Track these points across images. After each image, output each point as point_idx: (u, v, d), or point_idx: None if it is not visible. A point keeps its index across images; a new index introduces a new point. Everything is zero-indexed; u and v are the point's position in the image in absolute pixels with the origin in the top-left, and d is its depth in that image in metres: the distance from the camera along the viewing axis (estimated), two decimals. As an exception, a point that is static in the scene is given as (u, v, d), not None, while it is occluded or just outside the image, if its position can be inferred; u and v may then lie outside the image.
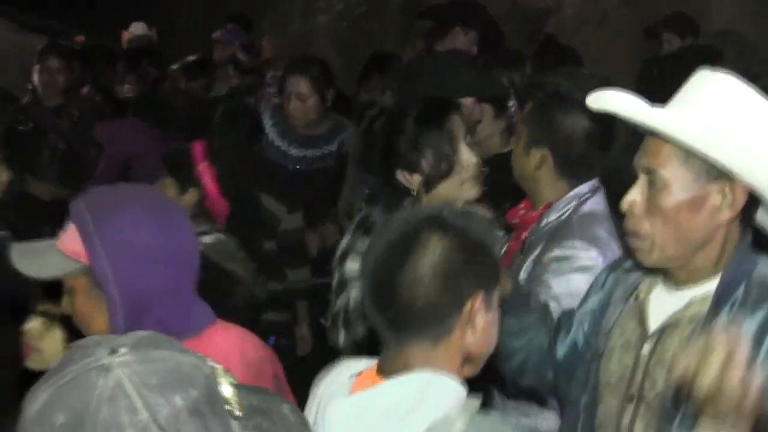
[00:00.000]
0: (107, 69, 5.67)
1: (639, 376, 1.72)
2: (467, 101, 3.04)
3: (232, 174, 3.13)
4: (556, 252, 2.25)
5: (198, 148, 3.07)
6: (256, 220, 3.56)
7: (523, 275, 2.31)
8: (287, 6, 7.79)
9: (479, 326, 1.46)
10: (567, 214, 2.33)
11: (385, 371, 1.47)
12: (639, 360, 1.72)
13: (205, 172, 3.01)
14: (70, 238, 1.63)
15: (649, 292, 1.78)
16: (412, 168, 2.41)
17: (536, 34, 6.09)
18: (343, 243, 2.51)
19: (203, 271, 1.73)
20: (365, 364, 1.52)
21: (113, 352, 0.99)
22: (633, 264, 1.82)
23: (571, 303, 2.06)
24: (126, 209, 1.62)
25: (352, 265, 2.39)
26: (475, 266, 1.47)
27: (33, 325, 2.02)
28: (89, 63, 5.47)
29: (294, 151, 4.18)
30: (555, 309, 2.14)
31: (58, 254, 1.64)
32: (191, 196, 3.00)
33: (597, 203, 2.35)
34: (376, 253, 1.51)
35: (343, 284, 2.44)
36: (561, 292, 2.19)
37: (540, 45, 5.15)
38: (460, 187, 2.42)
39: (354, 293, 2.38)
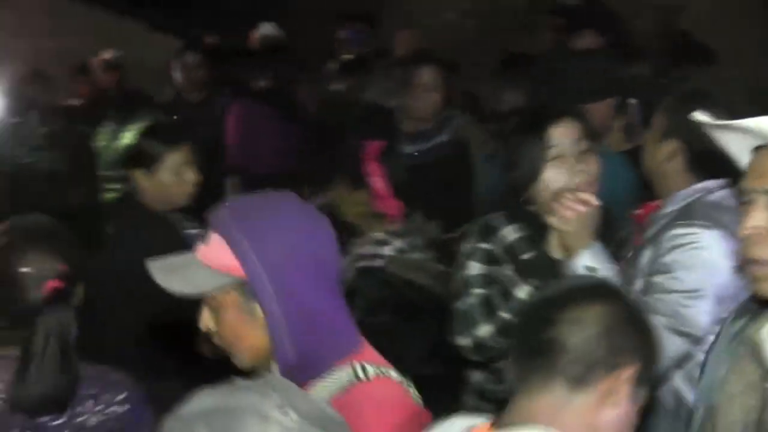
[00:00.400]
0: (240, 66, 5.84)
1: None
2: (599, 105, 3.01)
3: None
4: (676, 231, 2.25)
5: (372, 147, 3.05)
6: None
7: (643, 261, 2.32)
8: (412, 4, 7.82)
9: (621, 403, 1.36)
10: (691, 200, 2.33)
11: (501, 425, 1.37)
12: (766, 398, 1.64)
13: (374, 171, 2.98)
14: (216, 251, 1.54)
15: (759, 331, 1.68)
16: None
17: (668, 31, 5.98)
18: (466, 246, 2.51)
19: (388, 286, 1.70)
20: (480, 420, 1.42)
21: (282, 410, 1.01)
22: (737, 312, 1.77)
23: (693, 281, 2.12)
24: (279, 219, 1.54)
25: (473, 269, 2.42)
26: (640, 339, 1.40)
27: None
28: (224, 60, 5.67)
29: (407, 148, 4.10)
30: (676, 287, 2.18)
31: (203, 268, 1.55)
32: (360, 196, 2.99)
33: (725, 197, 2.30)
34: (540, 298, 1.49)
35: (463, 287, 2.44)
36: (680, 272, 2.21)
37: (674, 42, 5.05)
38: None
39: (473, 299, 2.40)
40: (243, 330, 1.55)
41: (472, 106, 4.58)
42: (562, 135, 2.33)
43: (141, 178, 2.96)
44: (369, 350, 1.63)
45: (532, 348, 1.40)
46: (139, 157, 2.97)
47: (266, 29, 6.59)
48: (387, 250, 2.83)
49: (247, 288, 1.52)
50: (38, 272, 1.91)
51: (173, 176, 2.93)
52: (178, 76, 5.23)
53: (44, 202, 4.51)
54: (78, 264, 1.99)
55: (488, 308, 2.37)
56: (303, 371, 1.54)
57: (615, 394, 1.36)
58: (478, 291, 2.40)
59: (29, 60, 7.18)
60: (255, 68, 5.54)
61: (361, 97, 4.75)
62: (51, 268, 1.92)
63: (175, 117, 4.72)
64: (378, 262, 2.81)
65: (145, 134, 3.02)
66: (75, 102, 6.37)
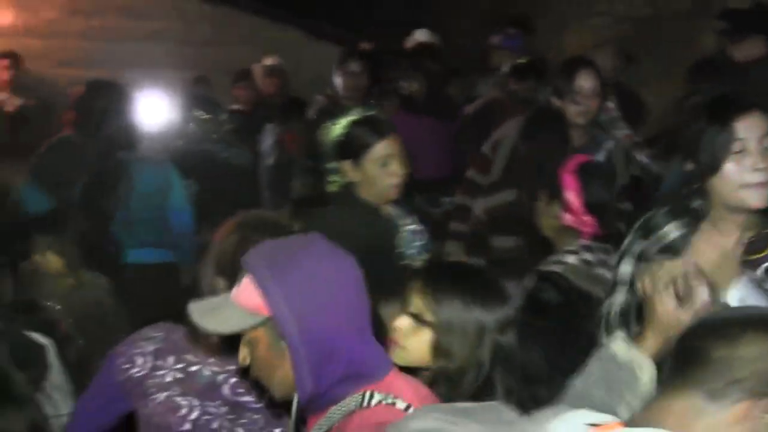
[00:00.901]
0: (392, 68, 5.94)
1: None
2: None
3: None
4: None
5: (573, 160, 2.99)
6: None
7: None
8: (564, 8, 7.73)
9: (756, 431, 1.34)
10: None
11: (633, 422, 1.36)
12: None
13: (570, 185, 2.90)
14: (247, 292, 1.66)
15: None
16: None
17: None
18: (623, 244, 2.42)
19: (561, 293, 1.69)
20: (607, 417, 1.35)
21: None
22: None
23: None
24: (304, 262, 1.64)
25: (625, 268, 2.33)
26: None
27: (404, 323, 2.07)
28: (379, 66, 5.79)
29: None
30: None
31: (236, 308, 1.67)
32: (554, 208, 2.94)
33: None
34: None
35: (614, 287, 2.37)
36: None
37: None
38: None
39: (619, 298, 2.32)
40: (273, 363, 1.67)
41: (635, 110, 4.48)
42: (748, 128, 2.17)
43: (349, 169, 3.00)
44: (395, 380, 1.73)
45: (682, 353, 1.40)
46: (347, 148, 3.00)
47: (421, 35, 6.68)
48: (571, 259, 2.80)
49: (274, 326, 1.63)
50: None
51: (379, 167, 2.94)
52: (339, 82, 5.36)
53: (243, 196, 4.82)
54: None
55: (625, 317, 2.31)
56: (320, 399, 1.67)
57: (751, 420, 1.33)
58: (621, 296, 2.32)
59: (195, 67, 7.59)
60: (410, 73, 5.63)
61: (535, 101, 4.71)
62: None
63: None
64: (557, 268, 2.79)
65: (354, 125, 3.01)
66: (237, 107, 6.67)
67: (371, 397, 1.66)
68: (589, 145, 3.92)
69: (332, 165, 3.08)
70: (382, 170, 2.96)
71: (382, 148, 2.96)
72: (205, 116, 4.68)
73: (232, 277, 1.79)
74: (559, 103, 3.90)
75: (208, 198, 4.61)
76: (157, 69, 7.67)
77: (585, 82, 3.86)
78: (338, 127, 3.02)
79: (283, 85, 6.90)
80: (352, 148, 2.99)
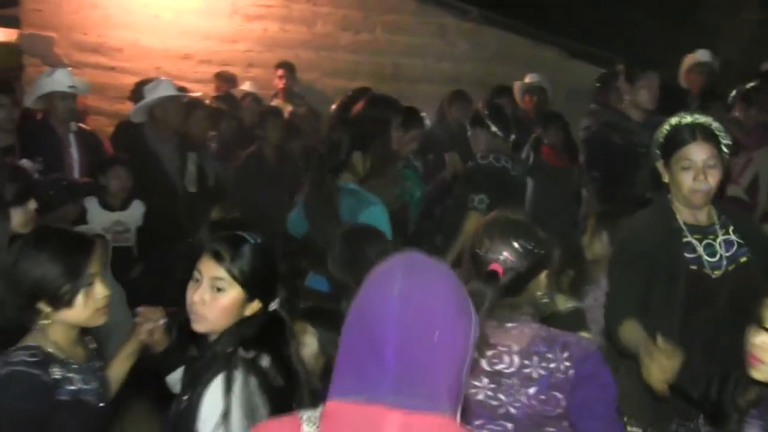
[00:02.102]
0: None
1: None
2: None
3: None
4: None
5: None
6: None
7: None
8: None
9: None
10: None
11: None
12: None
13: None
14: None
15: None
16: None
17: None
18: None
19: None
20: None
21: None
22: None
23: None
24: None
25: None
26: None
27: (763, 339, 2.19)
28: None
29: None
30: None
31: None
32: None
33: None
34: None
35: None
36: None
37: None
38: None
39: None
40: None
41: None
42: None
43: (662, 170, 3.02)
44: None
45: None
46: (663, 148, 2.99)
47: (702, 56, 6.47)
48: None
49: None
50: (492, 256, 2.23)
51: (682, 170, 2.91)
52: (609, 96, 5.35)
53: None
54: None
55: None
56: None
57: None
58: None
59: (452, 82, 7.85)
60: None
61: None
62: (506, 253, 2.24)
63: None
64: None
65: (675, 126, 2.98)
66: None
67: None
68: None
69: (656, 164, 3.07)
70: (684, 174, 2.92)
71: (691, 151, 2.91)
72: (496, 130, 4.76)
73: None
74: None
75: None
76: (415, 83, 8.04)
77: None
78: (663, 128, 3.02)
79: (540, 103, 6.98)
80: (666, 148, 2.98)
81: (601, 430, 2.19)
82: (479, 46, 8.29)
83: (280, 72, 7.68)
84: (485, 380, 2.24)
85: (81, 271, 2.34)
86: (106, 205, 5.20)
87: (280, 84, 7.67)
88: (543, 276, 2.30)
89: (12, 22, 8.76)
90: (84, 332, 2.51)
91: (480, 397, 2.24)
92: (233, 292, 2.31)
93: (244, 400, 2.17)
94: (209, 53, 8.37)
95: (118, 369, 2.68)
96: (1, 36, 10.15)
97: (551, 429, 2.22)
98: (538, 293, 2.31)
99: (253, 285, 2.34)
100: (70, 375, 2.33)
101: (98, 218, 5.15)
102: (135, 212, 5.30)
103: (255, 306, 2.36)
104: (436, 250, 4.53)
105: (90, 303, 2.37)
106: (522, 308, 2.28)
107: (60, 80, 5.29)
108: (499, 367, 2.23)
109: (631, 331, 2.78)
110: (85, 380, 2.38)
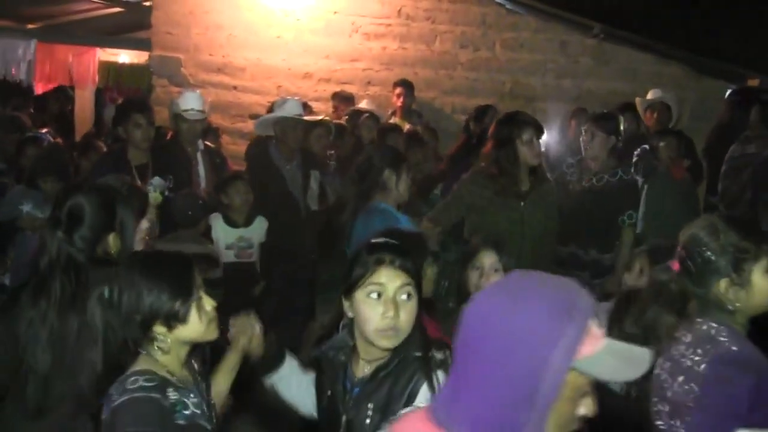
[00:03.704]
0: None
1: None
2: None
3: None
4: None
5: None
6: None
7: None
8: None
9: None
10: None
11: None
12: None
13: None
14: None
15: None
16: None
17: None
18: None
19: None
20: None
21: None
22: None
23: None
24: None
25: None
26: None
27: None
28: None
29: None
30: None
31: None
32: None
33: None
34: None
35: None
36: None
37: None
38: None
39: None
40: None
41: None
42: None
43: None
44: None
45: None
46: None
47: None
48: None
49: None
50: None
51: None
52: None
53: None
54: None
55: None
56: None
57: None
58: None
59: (573, 99, 7.70)
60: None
61: None
62: None
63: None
64: None
65: None
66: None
67: None
68: None
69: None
70: None
71: None
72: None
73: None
74: None
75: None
76: (535, 101, 7.92)
77: None
78: None
79: (663, 120, 6.75)
80: None
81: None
82: (602, 63, 8.10)
83: (398, 90, 7.70)
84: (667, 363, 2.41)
85: (190, 285, 2.35)
86: (230, 222, 5.32)
87: (398, 102, 7.69)
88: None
89: (144, 45, 9.13)
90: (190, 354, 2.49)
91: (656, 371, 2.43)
92: (415, 294, 2.33)
93: None
94: (329, 72, 8.49)
95: (221, 384, 2.66)
96: (135, 58, 10.64)
97: (687, 419, 2.31)
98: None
99: (419, 279, 2.35)
100: (184, 399, 2.31)
101: (223, 234, 5.28)
102: (258, 228, 5.40)
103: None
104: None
105: (203, 316, 2.37)
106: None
107: (191, 102, 5.45)
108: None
109: None
110: (196, 404, 2.35)
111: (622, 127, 6.47)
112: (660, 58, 8.03)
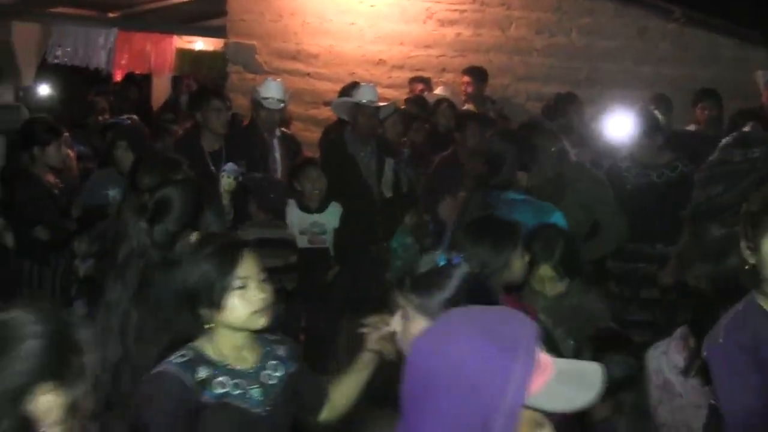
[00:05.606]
0: None
1: None
2: None
3: None
4: None
5: None
6: None
7: None
8: None
9: None
10: None
11: None
12: None
13: None
14: None
15: None
16: None
17: None
18: None
19: None
20: None
21: None
22: None
23: None
24: None
25: None
26: None
27: None
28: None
29: None
30: None
31: None
32: None
33: None
34: None
35: None
36: None
37: None
38: None
39: None
40: None
41: None
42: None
43: None
44: None
45: None
46: None
47: None
48: None
49: None
50: None
51: None
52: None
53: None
54: None
55: None
56: None
57: None
58: None
59: (651, 86, 7.52)
60: None
61: None
62: None
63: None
64: None
65: None
66: (691, 128, 6.54)
67: None
68: None
69: None
70: None
71: None
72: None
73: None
74: None
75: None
76: (612, 87, 7.76)
77: None
78: None
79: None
80: None
81: None
82: (682, 48, 7.89)
83: (466, 79, 7.63)
84: None
85: (227, 271, 2.36)
86: (304, 207, 5.36)
87: (467, 90, 7.62)
88: None
89: (219, 33, 9.25)
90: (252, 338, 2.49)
91: None
92: None
93: None
94: (403, 58, 8.47)
95: (352, 382, 2.66)
96: (210, 46, 10.79)
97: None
98: None
99: None
100: (222, 378, 2.36)
101: (297, 220, 5.32)
102: (332, 214, 5.43)
103: None
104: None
105: (246, 305, 2.38)
106: None
107: (271, 91, 5.53)
108: None
109: None
110: (239, 385, 2.39)
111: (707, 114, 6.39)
112: (742, 42, 7.78)
